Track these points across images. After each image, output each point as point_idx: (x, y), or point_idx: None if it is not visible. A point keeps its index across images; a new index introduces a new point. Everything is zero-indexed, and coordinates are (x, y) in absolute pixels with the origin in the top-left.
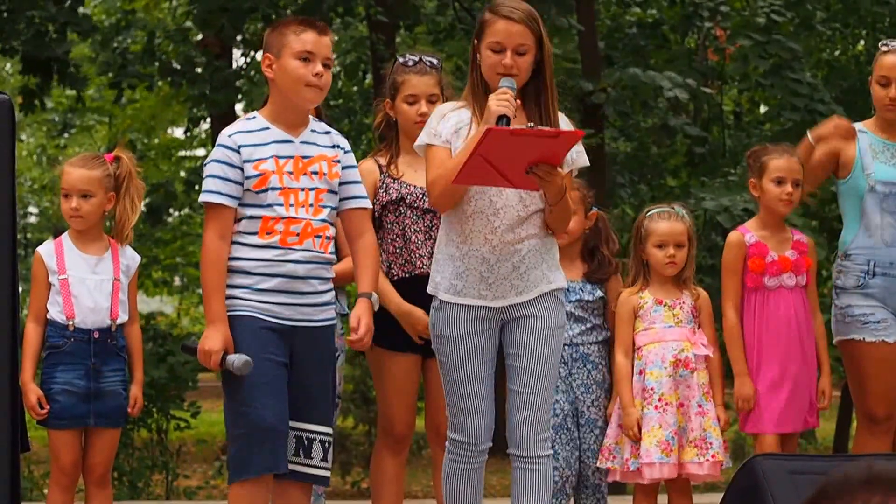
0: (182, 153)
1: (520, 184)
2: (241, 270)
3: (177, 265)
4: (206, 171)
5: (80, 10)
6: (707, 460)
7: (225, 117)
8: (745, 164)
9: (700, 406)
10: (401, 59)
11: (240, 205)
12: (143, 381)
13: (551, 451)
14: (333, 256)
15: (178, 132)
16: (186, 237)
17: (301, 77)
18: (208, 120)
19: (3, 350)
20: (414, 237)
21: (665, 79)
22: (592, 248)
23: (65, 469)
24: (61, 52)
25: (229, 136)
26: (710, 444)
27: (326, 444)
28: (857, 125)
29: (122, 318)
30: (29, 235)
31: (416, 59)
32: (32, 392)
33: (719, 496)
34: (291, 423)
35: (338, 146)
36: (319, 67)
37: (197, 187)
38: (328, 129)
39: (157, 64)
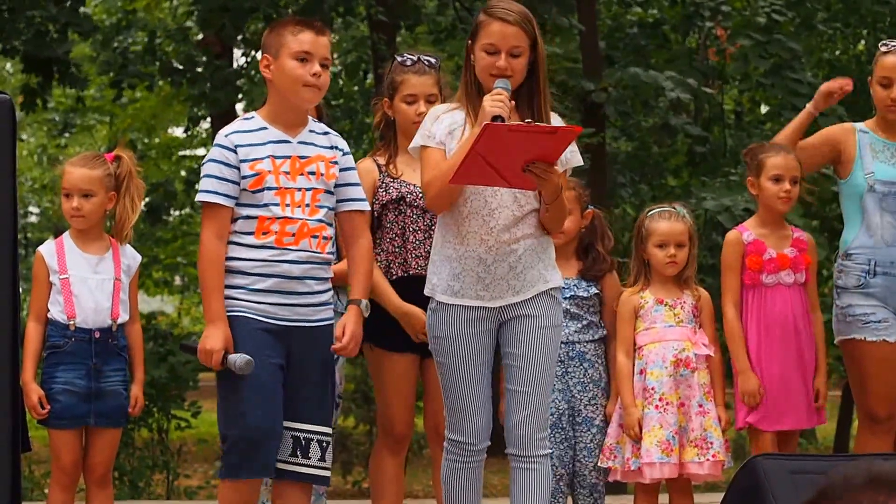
0: (182, 152)
1: (517, 183)
2: (238, 271)
3: (177, 265)
4: (203, 170)
5: (81, 9)
6: (708, 460)
7: (225, 116)
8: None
9: (701, 406)
10: (399, 59)
11: (236, 205)
12: (143, 380)
13: (550, 451)
14: (331, 256)
15: (179, 132)
16: (187, 236)
17: (299, 77)
18: (208, 119)
19: (4, 350)
20: (413, 236)
21: (667, 79)
22: (587, 246)
23: (65, 469)
24: (62, 53)
25: (226, 135)
26: (711, 443)
27: (324, 444)
28: (859, 125)
29: (123, 317)
30: (29, 235)
31: (415, 58)
32: (33, 392)
33: (720, 496)
34: (288, 424)
35: (336, 147)
36: (317, 67)
37: (197, 186)
38: (327, 129)
39: (157, 64)
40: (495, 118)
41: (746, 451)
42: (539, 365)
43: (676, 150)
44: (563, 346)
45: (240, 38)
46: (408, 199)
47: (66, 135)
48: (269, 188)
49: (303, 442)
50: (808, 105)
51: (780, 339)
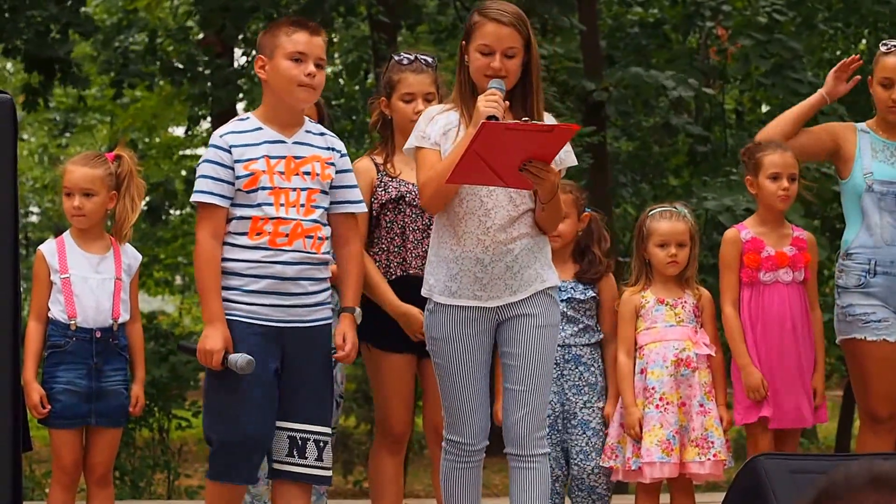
0: (183, 152)
1: (513, 182)
2: (231, 272)
3: (178, 264)
4: (199, 171)
5: (82, 10)
6: (709, 459)
7: (226, 116)
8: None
9: (702, 405)
10: (396, 58)
11: (231, 205)
12: (144, 380)
13: (548, 450)
14: (327, 256)
15: (180, 131)
16: (188, 236)
17: (293, 77)
18: (209, 119)
19: (5, 349)
20: (412, 236)
21: (669, 78)
22: (584, 249)
23: (66, 468)
24: (63, 53)
25: (221, 136)
26: (712, 443)
27: (321, 444)
28: (860, 125)
29: (124, 317)
30: (30, 235)
31: (412, 57)
32: (35, 391)
33: (721, 496)
34: (284, 424)
35: (333, 149)
36: (312, 67)
37: None
38: (324, 130)
39: (158, 63)
40: (490, 118)
41: (748, 451)
42: (537, 364)
43: (677, 150)
44: (559, 348)
45: (240, 37)
46: (407, 199)
47: (67, 134)
48: (264, 188)
49: (299, 442)
50: (820, 90)
51: (777, 337)
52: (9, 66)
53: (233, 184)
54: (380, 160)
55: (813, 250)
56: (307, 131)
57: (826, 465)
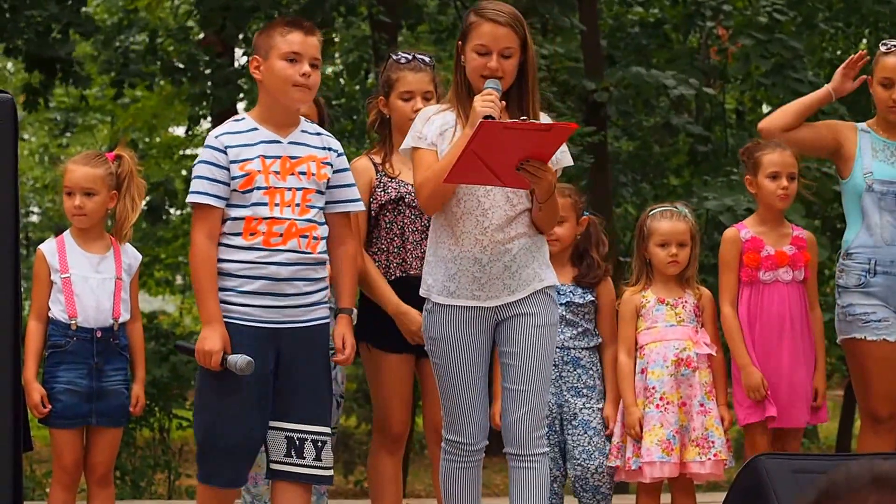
0: (184, 152)
1: (510, 182)
2: (226, 273)
3: (179, 264)
4: (194, 172)
5: (83, 10)
6: (709, 459)
7: (226, 115)
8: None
9: (702, 405)
10: (394, 57)
11: (226, 205)
12: (144, 379)
13: (547, 449)
14: (323, 256)
15: (180, 131)
16: (188, 236)
17: (288, 77)
18: (209, 119)
19: (5, 349)
20: (412, 237)
21: (669, 77)
22: (582, 252)
23: (67, 468)
24: (65, 53)
25: (216, 136)
26: (713, 442)
27: (319, 444)
28: (860, 125)
29: (125, 316)
30: (31, 235)
31: (410, 56)
32: (35, 391)
33: (722, 495)
34: (280, 424)
35: (330, 148)
36: (306, 67)
37: None
38: (320, 130)
39: (158, 63)
40: (486, 118)
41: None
42: (536, 363)
43: (678, 150)
44: (557, 350)
45: (241, 37)
46: (406, 200)
47: (68, 134)
48: (259, 188)
49: (297, 442)
50: (827, 85)
51: (777, 337)
52: (9, 65)
53: (228, 184)
54: (378, 160)
55: (812, 249)
56: (303, 131)
57: (827, 464)
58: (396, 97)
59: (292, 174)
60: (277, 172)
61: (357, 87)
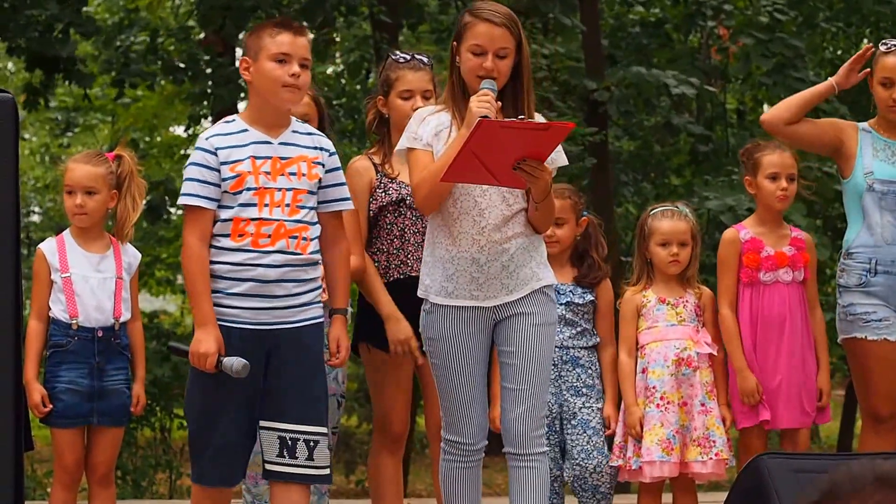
0: (184, 151)
1: (507, 181)
2: (215, 274)
3: (179, 264)
4: (185, 174)
5: (84, 10)
6: (711, 459)
7: (227, 114)
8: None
9: (703, 405)
10: (393, 56)
11: (217, 207)
12: (145, 379)
13: (547, 448)
14: (315, 257)
15: (181, 130)
16: None
17: (277, 78)
18: (210, 118)
19: (6, 349)
20: (412, 238)
21: (670, 77)
22: (582, 253)
23: (68, 468)
24: (66, 53)
25: (206, 138)
26: (714, 442)
27: (312, 443)
28: (861, 125)
29: (126, 316)
30: (32, 234)
31: (409, 56)
32: (36, 390)
33: (724, 495)
34: (274, 424)
35: (321, 148)
36: (296, 68)
37: None
38: (312, 130)
39: (159, 63)
40: (483, 118)
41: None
42: (535, 362)
43: (679, 150)
44: (557, 350)
45: (241, 36)
46: (407, 202)
47: (69, 134)
48: (249, 188)
49: (289, 442)
50: (831, 78)
51: (777, 337)
52: (10, 65)
53: (219, 186)
54: (378, 160)
55: (811, 250)
56: (294, 131)
57: (829, 464)
58: (396, 96)
59: (283, 175)
60: (268, 173)
61: (358, 87)
